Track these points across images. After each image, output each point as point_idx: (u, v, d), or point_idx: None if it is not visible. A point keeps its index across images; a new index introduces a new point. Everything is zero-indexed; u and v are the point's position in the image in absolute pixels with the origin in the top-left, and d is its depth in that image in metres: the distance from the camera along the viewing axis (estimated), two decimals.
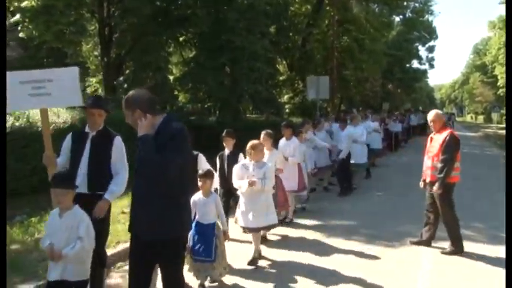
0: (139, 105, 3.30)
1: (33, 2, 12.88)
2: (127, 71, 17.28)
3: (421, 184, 6.52)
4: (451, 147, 5.92)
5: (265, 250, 6.17)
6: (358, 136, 11.06)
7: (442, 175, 5.89)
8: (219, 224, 5.05)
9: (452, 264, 5.70)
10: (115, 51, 16.32)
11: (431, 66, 51.28)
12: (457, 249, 6.01)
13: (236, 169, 5.77)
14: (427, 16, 45.30)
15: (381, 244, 6.51)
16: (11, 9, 13.92)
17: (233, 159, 6.37)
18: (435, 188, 5.95)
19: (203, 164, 5.50)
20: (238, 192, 5.83)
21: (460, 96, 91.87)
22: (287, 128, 7.97)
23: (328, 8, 25.51)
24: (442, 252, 6.06)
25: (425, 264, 5.70)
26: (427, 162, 6.26)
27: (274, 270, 5.51)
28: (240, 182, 5.65)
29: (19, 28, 14.24)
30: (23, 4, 12.98)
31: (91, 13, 15.55)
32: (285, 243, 6.62)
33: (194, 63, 18.02)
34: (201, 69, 16.49)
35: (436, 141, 6.13)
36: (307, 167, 8.56)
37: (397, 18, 41.50)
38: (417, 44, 47.28)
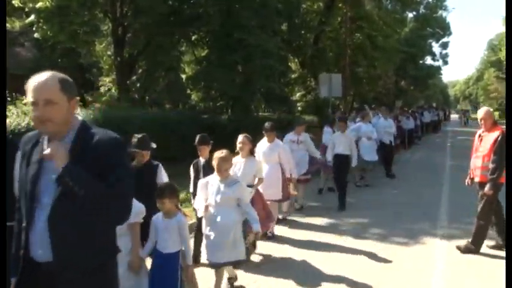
0: (76, 93, 2.38)
1: (47, 3, 13.04)
2: (140, 71, 17.39)
3: (468, 182, 6.36)
4: (502, 147, 5.74)
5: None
6: (370, 133, 11.00)
7: (494, 176, 5.73)
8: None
9: (467, 263, 5.65)
10: (128, 51, 16.43)
11: (445, 62, 50.69)
12: (475, 248, 5.94)
13: (198, 187, 4.64)
14: (440, 12, 44.76)
15: (395, 242, 6.48)
16: (26, 10, 14.10)
17: (209, 169, 5.04)
18: (486, 189, 5.79)
19: (163, 177, 4.52)
20: (199, 214, 4.75)
21: (474, 92, 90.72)
22: (271, 130, 6.82)
23: (340, 5, 25.35)
24: (457, 247, 6.01)
25: (440, 264, 5.66)
26: (477, 162, 6.05)
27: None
28: (198, 204, 4.60)
29: (34, 29, 14.44)
30: (38, 5, 13.14)
31: (104, 13, 15.68)
32: (294, 239, 6.63)
33: (206, 61, 18.04)
34: (213, 67, 16.52)
35: (486, 141, 5.96)
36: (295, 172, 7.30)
37: (410, 15, 41.04)
38: (431, 40, 46.76)
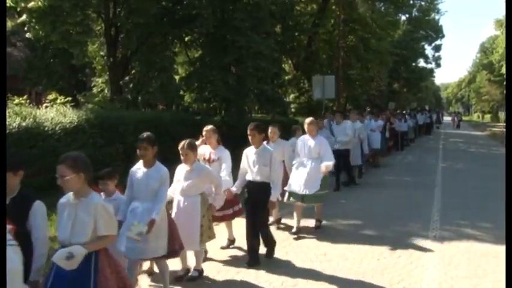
0: None
1: (39, 3, 12.95)
2: (133, 71, 17.33)
3: None
4: None
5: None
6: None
7: None
8: None
9: (458, 265, 5.67)
10: (121, 52, 16.38)
11: (438, 65, 51.19)
12: None
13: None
14: (433, 15, 45.17)
15: (386, 243, 6.47)
16: (18, 9, 14.01)
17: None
18: None
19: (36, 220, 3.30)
20: None
21: (466, 95, 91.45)
22: (147, 144, 4.41)
23: (333, 7, 25.47)
24: None
25: (431, 265, 5.67)
26: None
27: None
28: None
29: (26, 28, 14.35)
30: (30, 5, 13.05)
31: (97, 13, 15.61)
32: (286, 244, 6.63)
33: (200, 63, 18.05)
34: (207, 69, 16.52)
35: None
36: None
37: (403, 17, 41.41)
38: (423, 43, 47.18)
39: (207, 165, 5.57)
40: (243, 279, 5.16)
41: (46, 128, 8.49)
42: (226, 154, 5.89)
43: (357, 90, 29.35)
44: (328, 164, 6.81)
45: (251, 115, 21.83)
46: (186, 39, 18.57)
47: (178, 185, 5.00)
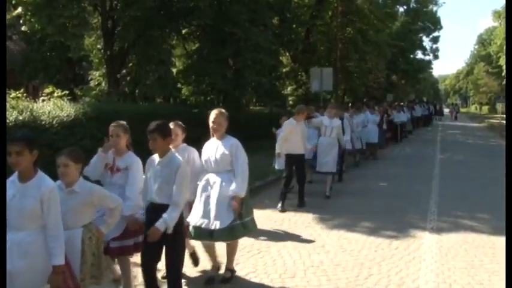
0: None
1: None
2: (130, 64, 17.27)
3: None
4: None
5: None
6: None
7: None
8: None
9: (455, 256, 5.69)
10: (118, 45, 16.30)
11: (436, 57, 51.05)
12: None
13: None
14: (431, 6, 45.05)
15: (384, 235, 6.50)
16: (13, 2, 13.92)
17: None
18: None
19: None
20: None
21: (464, 86, 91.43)
22: (23, 147, 3.03)
23: None
24: None
25: (428, 256, 5.69)
26: None
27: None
28: None
29: (21, 21, 14.27)
30: None
31: (93, 6, 15.52)
32: (285, 230, 6.65)
33: (197, 55, 18.00)
34: (204, 61, 16.49)
35: None
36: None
37: (401, 9, 41.31)
38: (421, 35, 47.03)
39: (109, 174, 4.27)
40: (241, 271, 5.18)
41: (43, 122, 8.45)
42: (136, 162, 4.30)
43: (355, 83, 29.30)
44: (238, 194, 4.62)
45: (249, 108, 21.83)
46: (184, 32, 18.48)
47: None
